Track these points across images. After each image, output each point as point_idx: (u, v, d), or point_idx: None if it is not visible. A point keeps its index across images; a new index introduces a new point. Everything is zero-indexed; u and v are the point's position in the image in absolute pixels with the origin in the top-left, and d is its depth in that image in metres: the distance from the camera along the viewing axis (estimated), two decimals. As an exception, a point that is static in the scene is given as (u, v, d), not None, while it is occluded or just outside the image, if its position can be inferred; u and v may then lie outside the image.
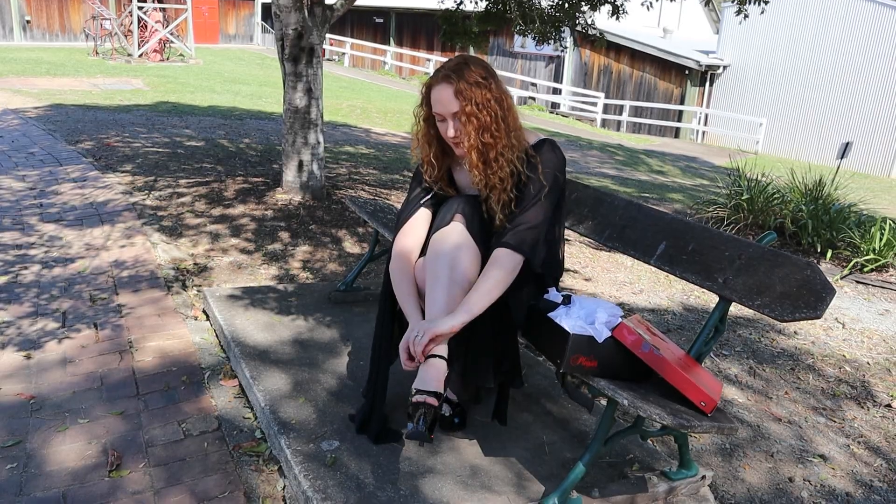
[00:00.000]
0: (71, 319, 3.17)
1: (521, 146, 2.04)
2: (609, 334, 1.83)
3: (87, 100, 11.34)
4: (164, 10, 19.93)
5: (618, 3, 6.89)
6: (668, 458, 2.37)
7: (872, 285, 5.27)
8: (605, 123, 22.00)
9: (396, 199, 6.10)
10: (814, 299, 1.78)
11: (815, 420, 3.06)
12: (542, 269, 2.07)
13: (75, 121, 8.77)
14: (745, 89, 20.90)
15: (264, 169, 6.52)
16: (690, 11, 24.96)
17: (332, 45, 26.92)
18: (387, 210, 3.51)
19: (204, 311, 3.35)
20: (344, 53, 26.59)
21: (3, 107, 9.62)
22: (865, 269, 5.52)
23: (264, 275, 4.00)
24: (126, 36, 19.28)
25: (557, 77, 23.58)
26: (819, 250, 5.84)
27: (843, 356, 3.83)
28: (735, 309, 4.52)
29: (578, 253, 5.39)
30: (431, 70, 25.13)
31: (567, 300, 1.97)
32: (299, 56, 4.76)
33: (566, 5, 7.15)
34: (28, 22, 22.48)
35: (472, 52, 22.51)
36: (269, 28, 28.09)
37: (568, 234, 4.89)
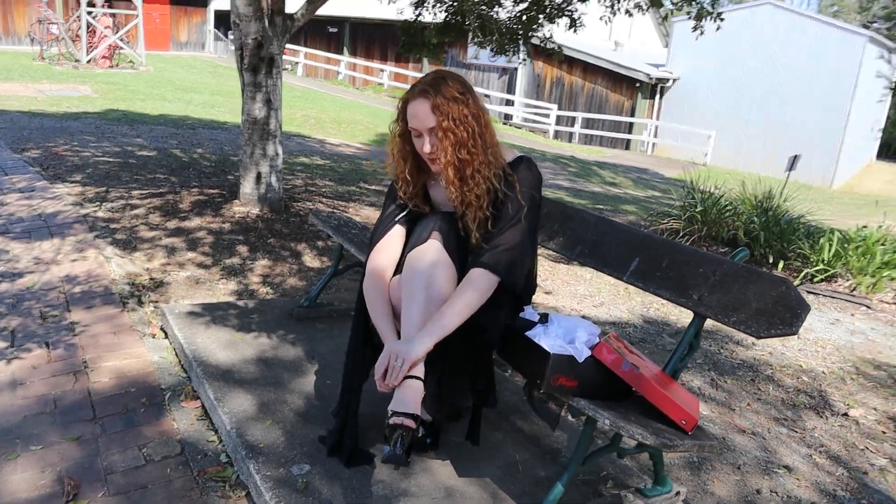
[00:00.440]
0: (20, 338, 3.02)
1: (497, 163, 2.02)
2: (589, 353, 1.81)
3: (32, 106, 10.96)
4: (113, 15, 19.42)
5: (575, 16, 6.98)
6: (640, 474, 2.37)
7: (823, 295, 5.41)
8: (557, 135, 22.28)
9: (355, 212, 6.03)
10: (789, 315, 1.80)
11: (777, 431, 3.11)
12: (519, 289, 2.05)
13: (20, 128, 8.46)
14: (694, 102, 21.44)
15: (219, 180, 6.38)
16: (641, 25, 25.49)
17: (286, 53, 26.56)
18: (351, 224, 3.45)
19: (162, 329, 3.23)
20: (297, 62, 26.34)
21: (-59, 113, 9.23)
22: (816, 280, 5.67)
23: (223, 290, 3.89)
24: (74, 41, 18.71)
25: (510, 88, 23.81)
26: (771, 261, 5.98)
27: (800, 366, 3.92)
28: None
29: (538, 266, 5.41)
30: (385, 81, 25.15)
31: (544, 319, 1.95)
32: (259, 66, 4.67)
33: (524, 18, 7.21)
34: (-32, 24, 21.69)
35: (426, 63, 22.56)
36: (221, 36, 27.66)
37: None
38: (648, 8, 6.00)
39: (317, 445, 2.24)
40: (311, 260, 4.54)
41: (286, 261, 4.44)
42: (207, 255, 4.31)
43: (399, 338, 1.99)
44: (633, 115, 21.71)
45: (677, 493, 2.21)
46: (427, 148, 1.98)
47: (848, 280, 5.66)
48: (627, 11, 6.20)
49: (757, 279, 1.92)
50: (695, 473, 2.67)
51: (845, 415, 3.36)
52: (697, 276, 2.05)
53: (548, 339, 1.83)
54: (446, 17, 7.25)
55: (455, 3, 7.01)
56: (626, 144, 21.98)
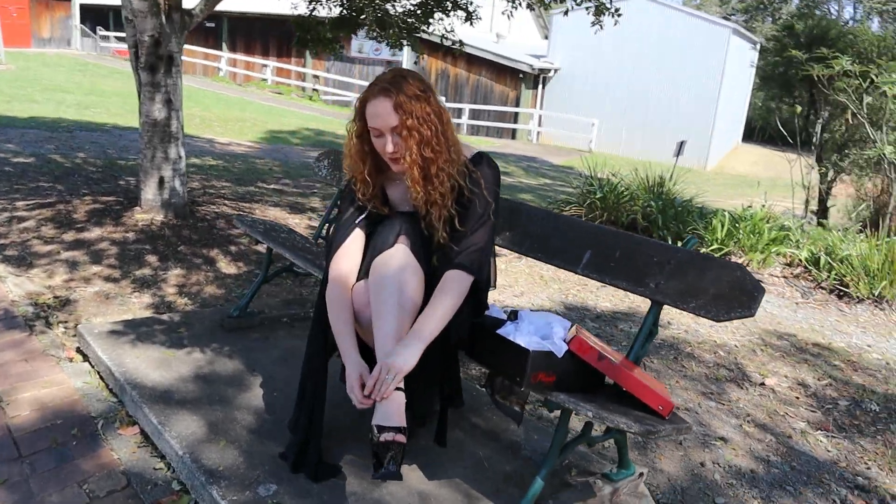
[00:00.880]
0: (-85, 374, 2.71)
1: (459, 160, 2.00)
2: (566, 348, 1.83)
3: None
4: (-40, 9, 17.79)
5: (471, 9, 7.03)
6: (600, 460, 2.43)
7: (721, 273, 5.74)
8: (447, 127, 22.41)
9: (261, 213, 5.83)
10: (746, 299, 1.89)
11: (707, 405, 3.27)
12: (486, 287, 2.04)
13: None
14: (575, 92, 22.22)
15: (111, 186, 5.99)
16: (520, 17, 26.04)
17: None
18: (279, 229, 3.33)
19: (79, 351, 2.99)
20: (172, 58, 25.09)
21: None
22: (713, 258, 6.01)
23: (137, 304, 3.66)
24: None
25: (397, 82, 23.70)
26: (670, 243, 6.29)
27: (715, 341, 4.15)
28: (609, 304, 4.76)
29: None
30: (269, 76, 24.44)
31: (513, 316, 1.95)
32: (157, 65, 4.40)
33: (419, 12, 7.20)
34: None
35: (308, 58, 22.07)
36: (89, 32, 25.91)
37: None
38: (551, 2, 6.13)
39: (279, 463, 2.15)
40: (226, 266, 4.34)
41: (200, 268, 4.23)
42: (114, 268, 4.03)
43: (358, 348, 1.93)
44: (517, 105, 22.22)
45: (640, 475, 2.28)
46: (390, 147, 1.93)
47: (740, 257, 6.03)
48: (529, 6, 6.30)
49: (711, 266, 2.00)
50: (643, 454, 2.76)
51: (762, 384, 3.58)
52: (652, 264, 2.11)
53: (523, 337, 1.84)
54: (341, 11, 7.12)
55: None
56: (513, 134, 22.47)
